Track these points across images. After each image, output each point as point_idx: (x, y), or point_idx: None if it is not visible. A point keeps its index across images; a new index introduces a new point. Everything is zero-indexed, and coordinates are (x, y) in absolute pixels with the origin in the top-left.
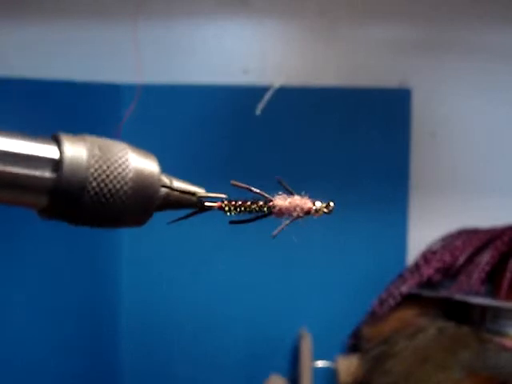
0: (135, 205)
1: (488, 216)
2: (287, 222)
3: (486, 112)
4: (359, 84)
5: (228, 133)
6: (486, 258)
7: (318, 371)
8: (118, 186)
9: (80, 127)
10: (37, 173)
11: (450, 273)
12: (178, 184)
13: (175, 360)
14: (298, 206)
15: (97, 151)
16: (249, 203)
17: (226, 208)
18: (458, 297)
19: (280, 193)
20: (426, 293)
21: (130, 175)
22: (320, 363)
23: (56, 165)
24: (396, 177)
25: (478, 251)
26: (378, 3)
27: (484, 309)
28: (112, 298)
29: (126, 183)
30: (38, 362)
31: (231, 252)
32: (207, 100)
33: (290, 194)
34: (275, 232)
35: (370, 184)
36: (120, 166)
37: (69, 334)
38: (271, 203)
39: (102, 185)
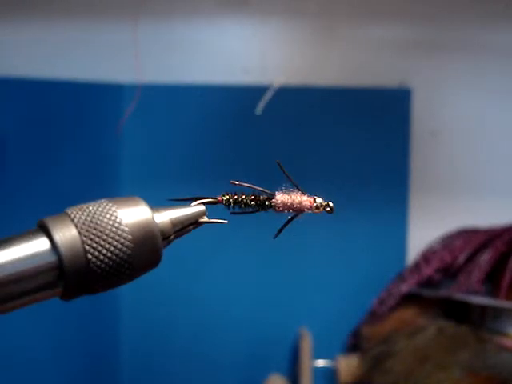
0: (142, 256)
1: (488, 216)
2: (288, 218)
3: (485, 112)
4: (359, 84)
5: (228, 132)
6: (485, 257)
7: (318, 370)
8: (119, 247)
9: (81, 126)
10: (40, 269)
11: (449, 272)
12: (174, 214)
13: (175, 359)
14: (298, 201)
15: (84, 222)
16: (250, 196)
17: (226, 200)
18: (458, 296)
19: (281, 189)
20: (426, 292)
21: (126, 233)
22: (320, 362)
23: (54, 254)
24: (396, 177)
25: (478, 251)
26: (378, 3)
27: (484, 308)
28: (112, 298)
29: (124, 242)
30: (38, 361)
31: (231, 252)
32: (207, 99)
33: (288, 178)
34: (276, 233)
35: (370, 184)
36: (113, 227)
37: (68, 335)
38: (272, 198)
39: (104, 252)
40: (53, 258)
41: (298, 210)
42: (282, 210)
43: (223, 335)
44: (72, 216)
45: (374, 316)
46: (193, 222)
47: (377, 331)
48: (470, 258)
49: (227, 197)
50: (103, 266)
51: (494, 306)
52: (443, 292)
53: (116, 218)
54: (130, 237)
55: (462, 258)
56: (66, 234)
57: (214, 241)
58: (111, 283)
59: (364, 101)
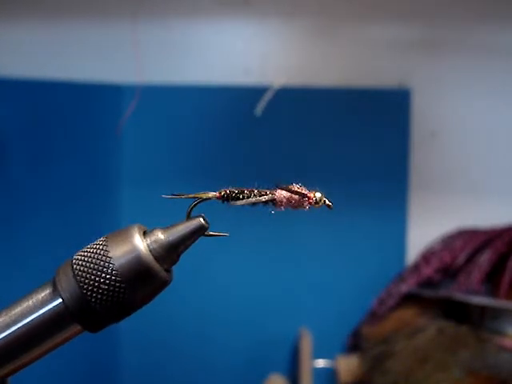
0: (140, 289)
1: (488, 216)
2: (291, 197)
3: (485, 112)
4: (359, 84)
5: (228, 132)
6: (485, 257)
7: (318, 370)
8: (111, 289)
9: (80, 127)
10: (52, 316)
11: (449, 273)
12: (173, 235)
13: (175, 360)
14: (298, 196)
15: (81, 269)
16: (249, 191)
17: (224, 196)
18: (458, 296)
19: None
20: (426, 293)
21: (117, 276)
22: (320, 362)
23: (58, 299)
24: (396, 176)
25: (478, 251)
26: (378, 3)
27: (483, 308)
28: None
29: (115, 284)
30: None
31: (231, 252)
32: (207, 100)
33: (289, 191)
34: (276, 210)
35: (369, 184)
36: (103, 271)
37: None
38: (273, 192)
39: (100, 290)
40: (60, 304)
41: (297, 205)
42: (282, 205)
43: (223, 335)
44: (73, 264)
45: (373, 316)
46: (193, 237)
47: (377, 331)
48: (470, 258)
49: (226, 192)
50: (103, 305)
51: (493, 306)
52: (443, 292)
53: (107, 261)
54: (120, 279)
55: (461, 258)
56: (66, 283)
57: (214, 241)
58: (118, 312)
59: (364, 101)
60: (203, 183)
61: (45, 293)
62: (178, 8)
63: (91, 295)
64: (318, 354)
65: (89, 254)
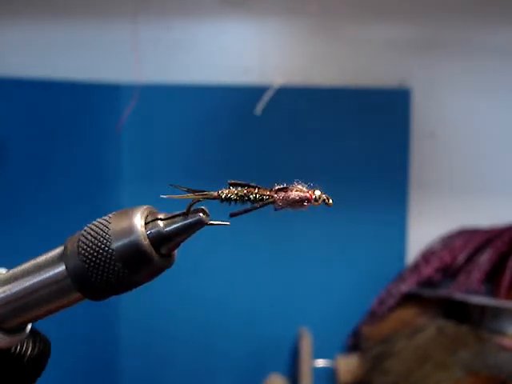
0: (135, 270)
1: (488, 216)
2: (290, 199)
3: (485, 112)
4: (359, 84)
5: (228, 132)
6: (485, 257)
7: (317, 370)
8: (105, 247)
9: (80, 127)
10: (53, 279)
11: (449, 272)
12: (170, 227)
13: (175, 359)
14: (297, 194)
15: (86, 230)
16: (248, 191)
17: (224, 196)
18: (458, 296)
19: (277, 183)
20: (426, 292)
21: (109, 236)
22: (320, 362)
23: (62, 265)
24: (396, 176)
25: (478, 251)
26: (379, 3)
27: (483, 308)
28: (111, 299)
29: (108, 243)
30: None
31: (231, 252)
32: (207, 99)
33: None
34: (277, 209)
35: (369, 183)
36: (98, 232)
37: (68, 335)
38: (271, 191)
39: (97, 265)
40: (63, 271)
41: (297, 204)
42: (282, 205)
43: (223, 335)
44: (80, 235)
45: (373, 316)
46: (191, 231)
47: (377, 331)
48: (470, 258)
49: (225, 192)
50: (100, 279)
51: (493, 305)
52: (443, 292)
53: (106, 239)
54: (115, 259)
55: (461, 258)
56: (71, 252)
57: (214, 240)
58: (121, 290)
59: (364, 101)
60: (203, 182)
61: (54, 255)
62: (177, 8)
63: (89, 269)
64: (317, 354)
65: (93, 229)
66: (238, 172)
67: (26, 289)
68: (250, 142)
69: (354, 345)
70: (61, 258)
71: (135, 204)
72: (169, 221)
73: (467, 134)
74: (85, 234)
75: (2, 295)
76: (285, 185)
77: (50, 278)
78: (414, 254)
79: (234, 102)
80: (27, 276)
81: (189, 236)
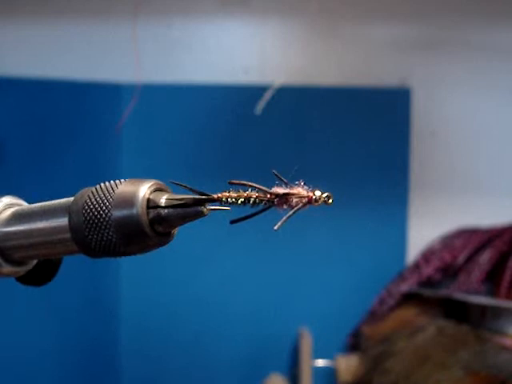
0: (129, 236)
1: (488, 215)
2: (290, 213)
3: (485, 112)
4: (359, 84)
5: (228, 132)
6: (485, 257)
7: (317, 370)
8: (104, 214)
9: (80, 126)
10: (57, 227)
11: (449, 272)
12: (176, 198)
13: (175, 359)
14: (297, 193)
15: (96, 187)
16: (248, 194)
17: (224, 199)
18: (458, 296)
19: (277, 182)
20: (426, 292)
21: (112, 201)
22: (320, 362)
23: (66, 217)
24: (396, 176)
25: (478, 250)
26: (379, 3)
27: (484, 308)
28: (111, 298)
29: (109, 210)
30: (38, 361)
31: (231, 252)
32: (207, 99)
33: (286, 184)
34: (277, 224)
35: (369, 183)
36: (105, 195)
37: (68, 335)
38: (271, 195)
39: (93, 228)
40: (65, 222)
41: (297, 205)
42: (282, 207)
43: (223, 335)
44: (89, 192)
45: (373, 316)
46: (191, 220)
47: (377, 331)
48: (470, 258)
49: (225, 195)
50: (96, 241)
51: (494, 305)
52: (443, 292)
53: (107, 206)
54: (111, 227)
55: (461, 258)
56: (77, 207)
57: (214, 240)
58: (115, 255)
59: (364, 100)
60: (203, 182)
61: (62, 206)
62: (177, 7)
63: (87, 229)
64: (317, 354)
65: (100, 191)
66: (238, 171)
67: (31, 231)
68: (249, 142)
69: (354, 345)
70: (67, 210)
71: None
72: (172, 201)
73: (467, 134)
74: (92, 195)
75: (10, 230)
76: (285, 186)
77: (53, 227)
78: (414, 253)
79: (234, 102)
80: (34, 219)
81: (187, 222)
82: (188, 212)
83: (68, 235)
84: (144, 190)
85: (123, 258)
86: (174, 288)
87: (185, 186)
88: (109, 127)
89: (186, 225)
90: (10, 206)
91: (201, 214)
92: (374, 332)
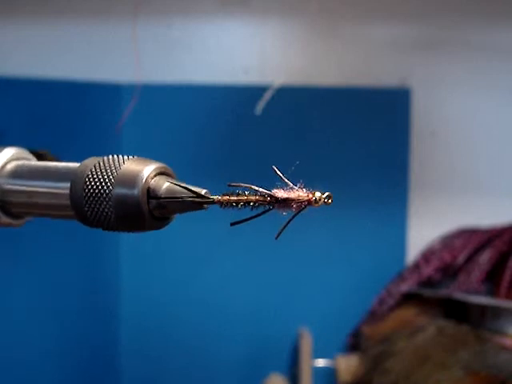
0: (126, 216)
1: (487, 215)
2: (289, 219)
3: (486, 112)
4: (359, 84)
5: (228, 132)
6: (485, 257)
7: (317, 370)
8: (106, 188)
9: (79, 127)
10: (57, 190)
11: (449, 272)
12: (178, 186)
13: (174, 359)
14: (297, 197)
15: (104, 160)
16: (247, 197)
17: (224, 203)
18: (458, 296)
19: (277, 184)
20: (426, 292)
21: (116, 178)
22: (320, 362)
23: (68, 183)
24: (396, 176)
25: (478, 250)
26: (379, 3)
27: (484, 308)
28: (111, 298)
29: (110, 185)
30: (38, 362)
31: (231, 252)
32: (207, 99)
33: (286, 184)
34: (277, 234)
35: (369, 183)
36: (110, 169)
37: (68, 335)
38: (271, 196)
39: (93, 197)
40: (66, 187)
41: (297, 207)
42: (282, 209)
43: (223, 335)
44: (95, 163)
45: (373, 316)
46: (188, 211)
47: (376, 331)
48: (470, 258)
49: (225, 198)
50: (92, 214)
51: (493, 305)
52: (443, 292)
53: (110, 182)
54: (111, 204)
55: (461, 258)
56: (80, 176)
57: (214, 240)
58: (104, 228)
59: (364, 100)
60: (203, 182)
61: (67, 171)
62: (177, 7)
63: (86, 199)
64: (317, 354)
65: (107, 164)
66: (238, 171)
67: (32, 191)
68: (249, 142)
69: (354, 345)
70: (71, 176)
71: None
72: (173, 189)
73: (468, 134)
74: (97, 166)
75: (12, 186)
76: (285, 185)
77: (54, 192)
78: (414, 253)
79: (234, 102)
80: (37, 179)
81: (185, 212)
82: (187, 205)
83: (67, 202)
84: (148, 171)
85: (123, 257)
86: (174, 288)
87: (183, 186)
88: (109, 127)
89: (186, 225)
90: (16, 158)
91: (200, 208)
92: (374, 332)
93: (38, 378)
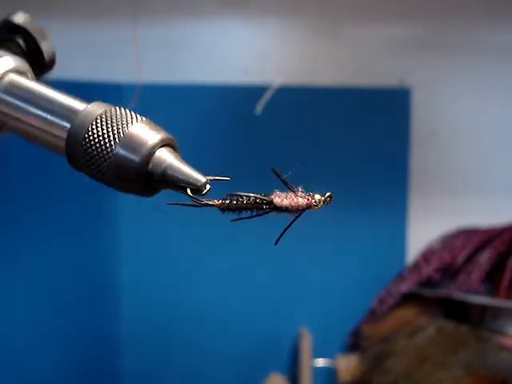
0: (122, 177)
1: (487, 215)
2: (289, 223)
3: (486, 112)
4: (359, 84)
5: (228, 132)
6: (485, 257)
7: (317, 370)
8: (108, 145)
9: None
10: (54, 127)
11: (449, 272)
12: (178, 165)
13: (175, 358)
14: (297, 201)
15: (112, 111)
16: (247, 203)
17: (224, 207)
18: (458, 296)
19: (276, 190)
20: (426, 292)
21: (122, 137)
22: (320, 362)
23: (68, 124)
24: (396, 176)
25: (478, 250)
26: (379, 3)
27: (483, 308)
28: (112, 297)
29: (114, 144)
30: (38, 359)
31: (231, 252)
32: (207, 99)
33: (285, 184)
34: (276, 240)
35: (369, 183)
36: (117, 126)
37: (69, 335)
38: (270, 200)
39: (93, 149)
40: (64, 128)
41: (297, 211)
42: (281, 212)
43: (223, 335)
44: (101, 113)
45: (373, 315)
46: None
47: (376, 331)
48: (470, 258)
49: (226, 203)
50: (86, 164)
51: (493, 305)
52: (443, 291)
53: (127, 124)
54: (110, 162)
55: (461, 258)
56: (83, 121)
57: (214, 240)
58: (96, 180)
59: (364, 100)
60: None
61: (71, 109)
62: (178, 7)
63: (85, 148)
64: (317, 354)
65: (115, 118)
66: (238, 171)
67: (26, 117)
68: (249, 142)
69: (354, 344)
70: (73, 117)
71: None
72: (178, 166)
73: (468, 134)
74: (104, 118)
75: (5, 99)
76: (284, 185)
77: (48, 130)
78: (414, 253)
79: (234, 102)
80: (35, 105)
81: (181, 191)
82: (187, 183)
83: (62, 142)
84: (155, 141)
85: (123, 257)
86: (175, 288)
87: (183, 204)
88: None
89: (186, 225)
90: (16, 71)
91: (198, 191)
92: (373, 332)
93: (38, 377)
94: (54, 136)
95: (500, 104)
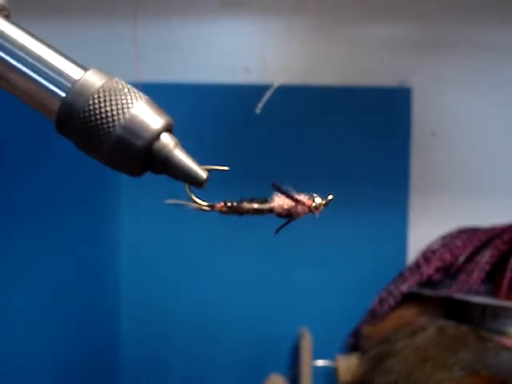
0: (119, 159)
1: (488, 215)
2: (289, 220)
3: (486, 111)
4: (359, 83)
5: (228, 132)
6: (486, 257)
7: (318, 370)
8: (109, 125)
9: None
10: (53, 86)
11: (450, 272)
12: (181, 155)
13: (175, 359)
14: (297, 205)
15: (113, 86)
16: (247, 208)
17: (224, 209)
18: (458, 296)
19: (276, 193)
20: (426, 292)
21: (125, 116)
22: (320, 362)
23: (63, 93)
24: (396, 176)
25: (478, 250)
26: (379, 3)
27: (484, 308)
28: (111, 297)
29: (114, 125)
30: (37, 361)
31: (231, 252)
32: (207, 99)
33: (288, 196)
34: (277, 229)
35: (370, 183)
36: (120, 103)
37: (68, 334)
38: (271, 205)
39: (96, 115)
40: (59, 96)
41: (298, 215)
42: (281, 215)
43: (223, 335)
44: (104, 85)
45: (374, 315)
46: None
47: (377, 331)
48: (471, 258)
49: (227, 205)
50: (80, 138)
51: (494, 305)
52: (443, 291)
53: (131, 103)
54: (110, 143)
55: (462, 258)
56: (81, 92)
57: (214, 240)
58: (81, 139)
59: (364, 100)
60: None
61: (69, 75)
62: (178, 7)
63: (81, 122)
64: (317, 354)
65: (120, 97)
66: (238, 171)
67: (16, 78)
68: (249, 142)
69: (354, 345)
70: (70, 84)
71: (135, 204)
72: (179, 158)
73: (468, 134)
74: (107, 92)
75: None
76: (284, 193)
77: (41, 95)
78: (414, 253)
79: (234, 101)
80: (28, 65)
81: (179, 180)
82: (183, 178)
83: (54, 108)
84: (158, 126)
85: (123, 258)
86: (174, 288)
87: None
88: None
89: (186, 224)
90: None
91: (197, 184)
92: (374, 332)
93: (37, 375)
94: (43, 101)
95: (500, 104)
